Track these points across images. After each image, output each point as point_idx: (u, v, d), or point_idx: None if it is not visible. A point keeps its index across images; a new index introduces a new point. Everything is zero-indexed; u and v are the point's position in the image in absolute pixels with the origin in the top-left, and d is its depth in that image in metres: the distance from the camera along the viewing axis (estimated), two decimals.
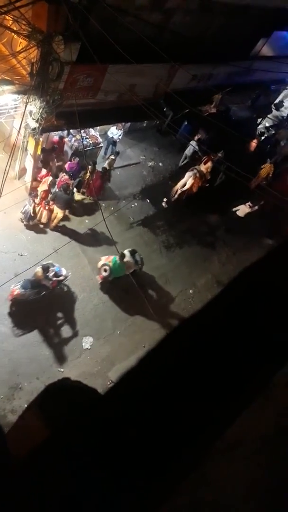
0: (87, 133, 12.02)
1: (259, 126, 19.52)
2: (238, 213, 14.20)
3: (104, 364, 9.58)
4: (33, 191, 11.05)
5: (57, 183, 11.08)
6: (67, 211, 11.25)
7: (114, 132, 13.01)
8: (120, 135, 13.16)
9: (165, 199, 13.60)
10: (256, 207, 13.78)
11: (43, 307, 9.64)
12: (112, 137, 13.08)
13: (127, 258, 10.20)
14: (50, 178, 10.82)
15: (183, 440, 1.17)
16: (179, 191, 13.46)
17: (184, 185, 13.34)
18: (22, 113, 8.94)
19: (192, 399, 1.20)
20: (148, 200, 13.47)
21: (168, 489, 1.08)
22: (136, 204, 13.20)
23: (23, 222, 10.89)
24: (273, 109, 20.95)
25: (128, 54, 9.08)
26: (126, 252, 10.30)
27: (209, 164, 13.55)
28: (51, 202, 10.72)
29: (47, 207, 10.81)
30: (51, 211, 10.91)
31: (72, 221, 11.74)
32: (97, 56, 8.87)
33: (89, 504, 1.07)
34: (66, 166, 11.70)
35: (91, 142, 12.13)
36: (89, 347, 9.72)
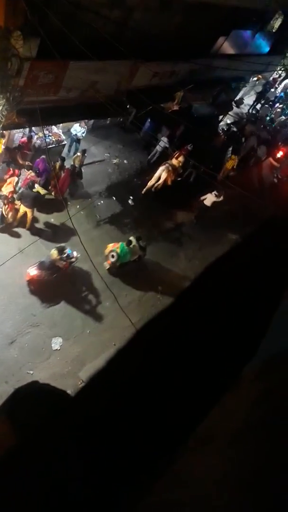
0: (49, 130, 11.83)
1: (221, 123, 19.88)
2: (205, 202, 14.54)
3: (74, 364, 9.50)
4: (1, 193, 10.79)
5: (22, 181, 10.86)
6: (35, 209, 11.04)
7: (78, 129, 12.88)
8: (83, 133, 13.04)
9: (131, 197, 13.61)
10: (222, 198, 14.12)
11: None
12: (76, 135, 12.94)
13: (134, 243, 11.09)
14: (16, 179, 10.59)
15: (156, 439, 1.17)
16: (155, 185, 13.78)
17: (159, 178, 13.66)
18: None
19: (163, 396, 1.21)
20: (114, 198, 13.43)
21: (141, 489, 1.08)
22: (102, 202, 13.14)
23: None
24: (233, 106, 21.40)
25: (89, 51, 9.00)
26: (132, 238, 11.24)
27: (181, 158, 14.03)
28: (16, 202, 10.51)
29: (12, 207, 10.57)
30: (17, 210, 10.68)
31: (39, 219, 11.52)
32: (58, 53, 8.74)
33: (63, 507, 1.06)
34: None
35: (54, 139, 11.95)
36: (58, 348, 9.61)
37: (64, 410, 1.37)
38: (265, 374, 1.27)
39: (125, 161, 14.23)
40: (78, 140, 13.09)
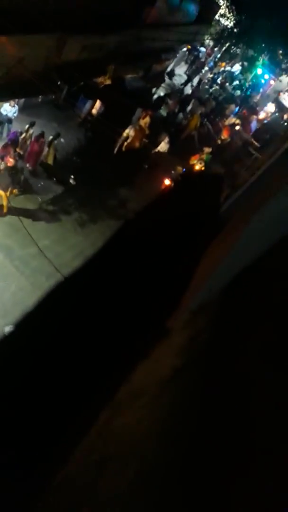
0: None
1: (154, 96, 19.83)
2: (159, 148, 15.24)
3: None
4: None
5: None
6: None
7: (8, 109, 12.29)
8: (15, 112, 12.48)
9: (72, 176, 13.35)
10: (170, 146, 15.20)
11: None
12: (6, 115, 12.35)
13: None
14: None
15: (87, 392, 1.19)
16: (124, 144, 14.40)
17: (127, 138, 14.25)
18: None
19: (94, 348, 1.24)
20: (54, 178, 13.10)
21: (71, 445, 1.09)
22: (42, 183, 12.77)
23: None
24: (165, 78, 21.37)
25: (11, 24, 8.56)
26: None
27: (147, 119, 15.08)
28: None
29: None
30: None
31: None
32: None
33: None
34: None
35: None
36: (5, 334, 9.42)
37: None
38: (191, 323, 1.33)
39: (62, 140, 13.81)
40: (9, 120, 12.52)
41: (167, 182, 15.19)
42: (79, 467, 1.06)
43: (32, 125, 12.29)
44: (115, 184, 14.23)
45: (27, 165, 12.29)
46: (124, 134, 14.30)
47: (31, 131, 12.17)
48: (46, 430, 1.10)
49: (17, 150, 11.54)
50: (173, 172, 15.42)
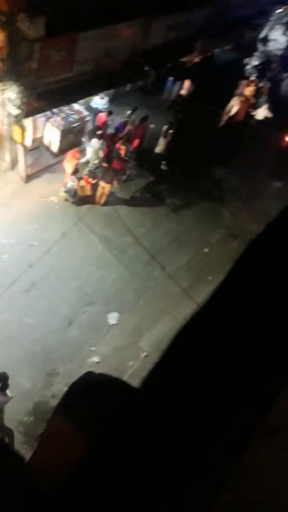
0: (71, 109, 11.67)
1: (247, 66, 18.62)
2: (256, 117, 14.83)
3: (133, 335, 9.69)
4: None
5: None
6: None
7: (98, 102, 12.60)
8: (105, 104, 12.74)
9: (163, 161, 13.27)
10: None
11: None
12: (97, 108, 12.67)
13: None
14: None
15: (224, 430, 1.07)
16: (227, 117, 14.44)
17: (230, 110, 14.31)
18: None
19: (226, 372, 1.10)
20: (146, 165, 13.16)
21: (214, 485, 1.00)
22: (133, 172, 12.93)
23: (68, 200, 11.24)
24: (260, 46, 19.91)
25: (96, 18, 8.66)
26: None
27: (252, 87, 14.93)
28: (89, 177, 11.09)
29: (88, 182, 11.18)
30: (93, 186, 11.28)
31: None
32: (66, 26, 8.50)
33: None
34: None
35: (76, 117, 11.79)
36: (115, 322, 9.82)
37: (122, 401, 1.33)
38: None
39: (151, 126, 13.77)
40: (110, 112, 12.78)
41: None
42: (216, 510, 0.99)
43: (134, 110, 12.65)
44: (209, 164, 13.81)
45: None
46: (227, 108, 14.18)
47: (133, 116, 12.56)
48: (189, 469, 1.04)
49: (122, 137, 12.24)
50: None
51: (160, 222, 11.96)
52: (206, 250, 11.74)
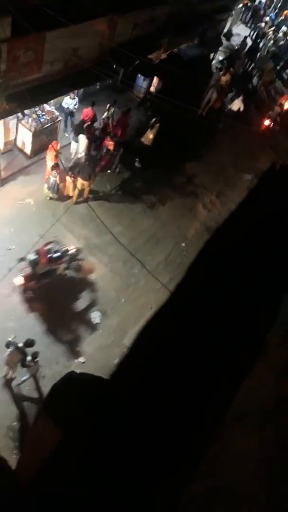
0: (42, 110, 11.56)
1: (213, 61, 18.90)
2: (232, 107, 15.83)
3: (117, 333, 9.75)
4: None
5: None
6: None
7: (69, 102, 12.51)
8: (75, 104, 12.67)
9: (137, 159, 13.34)
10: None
11: (43, 295, 9.65)
12: (68, 107, 12.59)
13: None
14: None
15: (193, 415, 1.14)
16: (206, 108, 15.64)
17: (209, 101, 15.55)
18: None
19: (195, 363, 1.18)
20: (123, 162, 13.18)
21: (186, 473, 1.06)
22: (108, 170, 12.95)
23: (52, 198, 11.29)
24: (223, 40, 20.20)
25: (62, 17, 8.60)
26: None
27: (227, 76, 16.15)
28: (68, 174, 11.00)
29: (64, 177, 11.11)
30: (71, 183, 11.25)
31: (50, 201, 11.47)
32: (32, 26, 8.39)
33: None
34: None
35: (48, 118, 11.69)
36: (99, 321, 9.85)
37: (99, 397, 1.40)
38: None
39: None
40: (71, 113, 12.75)
41: (266, 122, 16.20)
42: (188, 498, 1.05)
43: (113, 104, 12.87)
44: (182, 160, 13.98)
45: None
46: (206, 99, 15.30)
47: (112, 109, 12.77)
48: (158, 459, 1.11)
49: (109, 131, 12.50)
50: (270, 112, 16.48)
51: (137, 219, 12.05)
52: (183, 244, 11.92)
